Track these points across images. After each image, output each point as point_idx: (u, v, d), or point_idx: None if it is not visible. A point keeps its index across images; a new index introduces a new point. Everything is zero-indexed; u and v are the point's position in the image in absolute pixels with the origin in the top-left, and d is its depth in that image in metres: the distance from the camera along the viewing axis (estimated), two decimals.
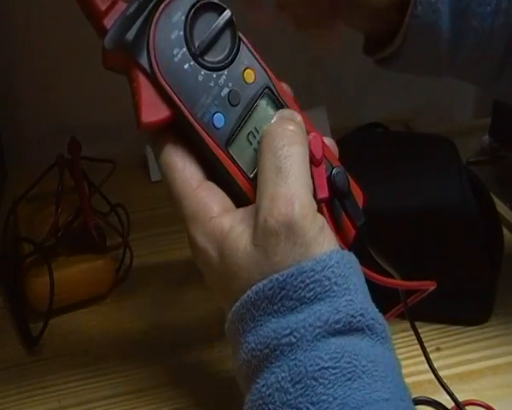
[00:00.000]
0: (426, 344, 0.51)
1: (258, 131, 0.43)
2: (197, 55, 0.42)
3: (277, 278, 0.38)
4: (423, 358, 0.51)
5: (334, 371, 0.36)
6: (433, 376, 0.52)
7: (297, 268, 0.38)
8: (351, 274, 0.39)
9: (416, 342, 0.50)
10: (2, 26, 0.81)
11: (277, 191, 0.39)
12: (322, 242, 0.39)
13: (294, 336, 0.37)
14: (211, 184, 0.43)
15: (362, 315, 0.38)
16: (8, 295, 0.67)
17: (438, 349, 0.60)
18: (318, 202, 0.41)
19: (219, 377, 0.59)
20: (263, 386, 0.38)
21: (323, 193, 0.41)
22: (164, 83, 0.41)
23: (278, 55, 0.59)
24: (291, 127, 0.41)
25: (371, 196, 0.47)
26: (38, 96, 0.85)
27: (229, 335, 0.41)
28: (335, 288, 0.38)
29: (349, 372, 0.36)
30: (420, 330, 0.50)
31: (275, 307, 0.38)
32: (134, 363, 0.61)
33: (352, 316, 0.38)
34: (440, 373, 0.52)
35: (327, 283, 0.38)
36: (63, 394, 0.58)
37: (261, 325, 0.39)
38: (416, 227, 0.59)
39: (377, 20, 0.52)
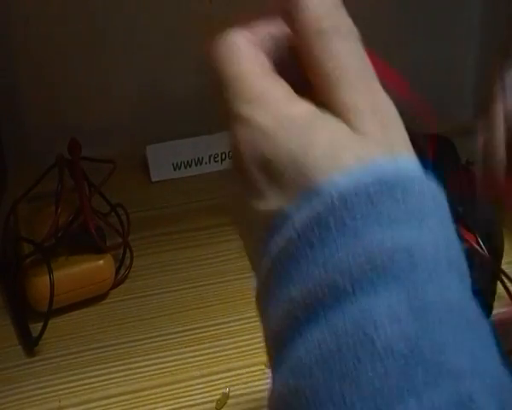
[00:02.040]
0: None
1: None
2: None
3: (388, 175, 0.28)
4: None
5: (461, 316, 0.27)
6: None
7: (406, 168, 0.29)
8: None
9: None
10: (2, 26, 0.81)
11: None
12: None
13: (412, 253, 0.27)
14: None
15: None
16: (8, 295, 0.67)
17: None
18: None
19: (219, 376, 0.59)
20: (361, 311, 0.26)
21: None
22: None
23: None
24: None
25: None
26: (38, 96, 0.85)
27: (276, 251, 0.29)
28: (442, 210, 0.29)
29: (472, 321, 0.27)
30: None
31: (378, 211, 0.27)
32: (134, 363, 0.61)
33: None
34: None
35: (434, 201, 0.29)
36: (63, 394, 0.58)
37: (358, 234, 0.27)
38: None
39: None
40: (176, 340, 0.63)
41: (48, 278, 0.62)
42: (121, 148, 0.84)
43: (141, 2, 0.82)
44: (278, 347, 0.28)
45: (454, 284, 0.27)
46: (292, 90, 0.31)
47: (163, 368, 0.60)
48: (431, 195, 0.29)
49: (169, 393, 0.58)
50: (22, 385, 0.59)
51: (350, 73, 0.30)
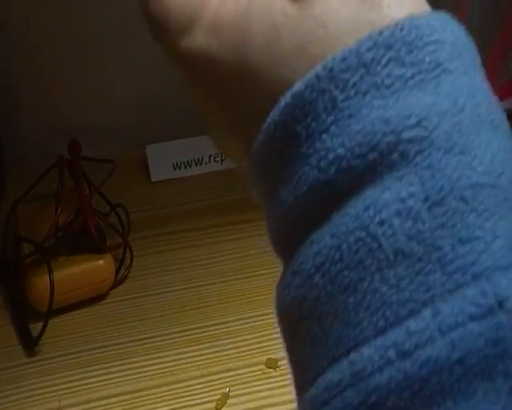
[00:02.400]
0: None
1: None
2: None
3: (380, 33, 0.22)
4: None
5: (493, 192, 0.21)
6: None
7: (410, 20, 0.22)
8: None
9: None
10: (2, 26, 0.81)
11: None
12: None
13: (425, 128, 0.21)
14: None
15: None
16: (8, 295, 0.67)
17: None
18: None
19: (219, 376, 0.59)
20: (365, 208, 0.21)
21: None
22: None
23: None
24: None
25: None
26: (38, 96, 0.85)
27: (272, 141, 0.24)
28: (461, 60, 0.23)
29: None
30: None
31: (377, 78, 0.22)
32: (134, 363, 0.61)
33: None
34: None
35: (450, 49, 0.22)
36: (63, 394, 0.58)
37: (355, 113, 0.22)
38: None
39: None
40: (176, 340, 0.63)
41: (48, 278, 0.62)
42: (121, 148, 0.84)
43: None
44: (281, 251, 0.25)
45: (486, 152, 0.21)
46: None
47: (163, 368, 0.60)
48: (450, 42, 0.23)
49: (169, 393, 0.58)
50: (22, 385, 0.59)
51: None
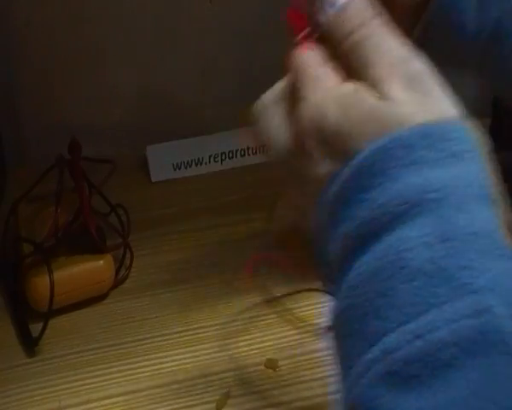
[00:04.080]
0: None
1: None
2: None
3: (419, 127, 0.33)
4: None
5: (487, 240, 0.31)
6: None
7: (441, 118, 0.33)
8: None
9: None
10: (2, 27, 0.81)
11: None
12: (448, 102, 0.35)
13: (443, 193, 0.32)
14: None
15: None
16: (8, 295, 0.67)
17: None
18: None
19: (219, 376, 0.59)
20: (398, 240, 0.32)
21: None
22: None
23: None
24: None
25: None
26: (38, 96, 0.85)
27: (332, 200, 0.35)
28: (477, 152, 0.33)
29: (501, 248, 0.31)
30: None
31: (413, 156, 0.32)
32: (134, 363, 0.61)
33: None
34: None
35: (470, 144, 0.33)
36: (63, 394, 0.58)
37: (395, 179, 0.33)
38: None
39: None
40: (176, 340, 0.63)
41: (48, 278, 0.62)
42: (121, 148, 0.84)
43: (141, 2, 0.82)
44: (337, 275, 0.34)
45: (483, 213, 0.32)
46: (339, 76, 0.37)
47: (163, 368, 0.60)
48: (465, 139, 0.33)
49: (169, 393, 0.58)
50: (22, 385, 0.59)
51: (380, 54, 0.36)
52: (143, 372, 0.60)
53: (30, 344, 0.62)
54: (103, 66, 0.85)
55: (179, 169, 0.82)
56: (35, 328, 0.62)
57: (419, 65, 0.35)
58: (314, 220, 0.37)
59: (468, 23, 0.49)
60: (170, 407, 0.57)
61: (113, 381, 0.59)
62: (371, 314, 0.31)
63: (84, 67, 0.84)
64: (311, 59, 0.38)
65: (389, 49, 0.36)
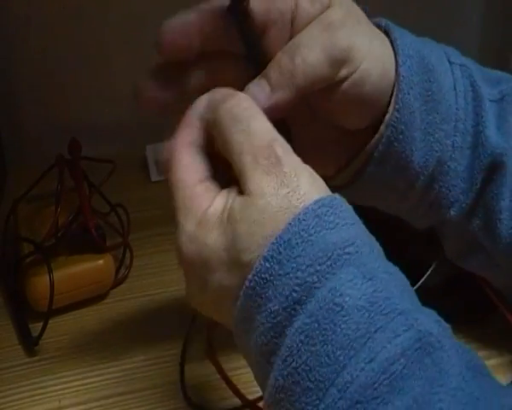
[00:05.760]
0: None
1: None
2: None
3: (312, 211, 0.37)
4: None
5: (397, 277, 0.38)
6: None
7: (318, 201, 0.37)
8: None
9: None
10: (2, 26, 0.81)
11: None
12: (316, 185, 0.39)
13: (355, 246, 0.37)
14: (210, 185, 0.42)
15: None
16: (8, 295, 0.67)
17: None
18: None
19: (219, 376, 0.59)
20: (330, 290, 0.35)
21: None
22: None
23: None
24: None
25: None
26: (38, 95, 0.85)
27: (251, 296, 0.37)
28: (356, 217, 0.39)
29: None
30: None
31: (317, 234, 0.36)
32: (134, 363, 0.61)
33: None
34: None
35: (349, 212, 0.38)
36: (63, 394, 0.58)
37: (313, 243, 0.36)
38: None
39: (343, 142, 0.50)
40: (176, 340, 0.63)
41: (48, 278, 0.62)
42: (121, 148, 0.84)
43: (141, 1, 0.82)
44: (268, 356, 0.37)
45: (383, 259, 0.38)
46: (213, 188, 0.41)
47: (163, 368, 0.60)
48: (345, 208, 0.38)
49: (169, 393, 0.58)
50: (22, 385, 0.59)
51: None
52: (143, 372, 0.60)
53: (30, 344, 0.62)
54: (104, 66, 0.85)
55: None
56: (35, 328, 0.62)
57: (281, 149, 0.38)
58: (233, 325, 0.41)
59: (415, 159, 0.49)
60: (169, 407, 0.57)
61: (113, 381, 0.59)
62: (319, 368, 0.34)
63: (84, 67, 0.84)
64: (186, 173, 0.43)
65: (255, 131, 0.39)
